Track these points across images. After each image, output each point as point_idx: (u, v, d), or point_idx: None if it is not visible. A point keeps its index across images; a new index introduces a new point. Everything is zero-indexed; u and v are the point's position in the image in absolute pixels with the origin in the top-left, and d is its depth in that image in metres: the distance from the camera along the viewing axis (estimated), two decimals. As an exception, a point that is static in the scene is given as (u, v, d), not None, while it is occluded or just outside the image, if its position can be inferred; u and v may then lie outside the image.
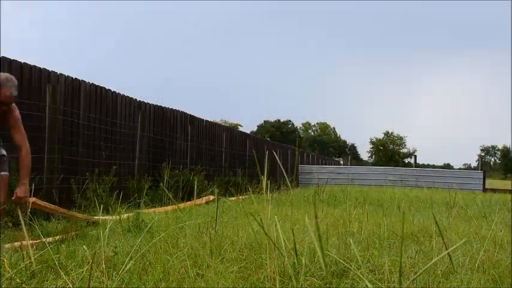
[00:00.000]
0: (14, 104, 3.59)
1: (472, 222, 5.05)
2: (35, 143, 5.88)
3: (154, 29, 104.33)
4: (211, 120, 12.51)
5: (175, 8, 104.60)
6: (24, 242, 2.87)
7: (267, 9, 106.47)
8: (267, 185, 2.21)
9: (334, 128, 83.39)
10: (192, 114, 10.77)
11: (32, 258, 2.56)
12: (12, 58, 5.64)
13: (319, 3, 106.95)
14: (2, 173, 3.69)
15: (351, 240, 2.82)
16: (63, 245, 3.24)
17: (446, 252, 1.60)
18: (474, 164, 68.14)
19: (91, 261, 2.43)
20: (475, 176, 17.44)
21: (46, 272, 2.53)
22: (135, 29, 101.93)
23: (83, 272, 2.52)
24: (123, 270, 2.43)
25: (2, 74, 3.57)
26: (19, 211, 3.95)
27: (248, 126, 67.83)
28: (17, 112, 3.60)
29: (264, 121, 73.42)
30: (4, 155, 3.79)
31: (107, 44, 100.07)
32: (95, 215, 5.35)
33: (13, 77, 3.58)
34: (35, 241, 3.46)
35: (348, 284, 2.36)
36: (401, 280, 1.37)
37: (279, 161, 2.59)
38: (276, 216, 2.48)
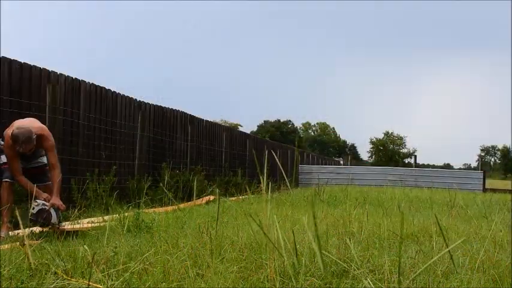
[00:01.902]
0: (48, 133, 4.48)
1: (472, 222, 5.05)
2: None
3: (154, 29, 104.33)
4: (211, 120, 12.51)
5: (175, 8, 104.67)
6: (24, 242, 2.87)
7: (267, 9, 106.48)
8: (267, 185, 2.21)
9: (334, 128, 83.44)
10: (192, 114, 10.77)
11: (31, 259, 2.56)
12: (12, 58, 5.64)
13: (319, 3, 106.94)
14: (48, 182, 4.60)
15: (350, 241, 2.82)
16: (63, 245, 3.24)
17: (446, 250, 1.60)
18: (474, 164, 68.17)
19: (91, 261, 2.43)
20: (475, 176, 17.43)
21: (46, 272, 2.53)
22: (135, 29, 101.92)
23: (82, 272, 2.53)
24: (124, 271, 2.43)
25: (16, 130, 4.25)
26: (17, 212, 3.99)
27: (248, 126, 67.80)
28: (51, 140, 4.47)
29: (264, 121, 73.44)
30: (46, 164, 4.65)
31: (107, 44, 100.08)
32: (95, 216, 5.35)
33: (26, 129, 4.26)
34: (36, 241, 3.46)
35: (348, 284, 2.36)
36: (400, 280, 1.37)
37: (278, 162, 2.59)
38: (275, 217, 2.48)
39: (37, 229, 4.21)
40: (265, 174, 2.21)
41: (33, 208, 4.14)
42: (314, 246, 2.21)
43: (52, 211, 4.20)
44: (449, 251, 1.93)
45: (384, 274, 2.47)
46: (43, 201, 4.20)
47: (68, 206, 5.98)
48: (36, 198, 4.18)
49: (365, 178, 17.67)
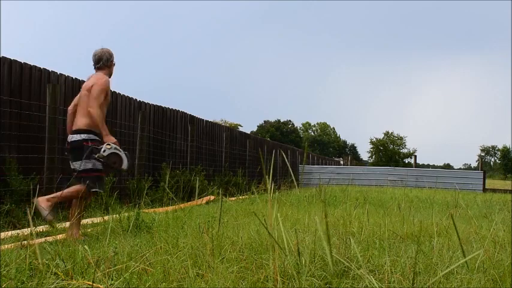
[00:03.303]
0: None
1: (472, 222, 5.05)
2: (35, 142, 5.89)
3: (154, 29, 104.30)
4: (211, 120, 12.51)
5: (175, 8, 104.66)
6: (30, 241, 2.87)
7: (267, 9, 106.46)
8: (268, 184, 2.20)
9: (334, 128, 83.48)
10: (192, 114, 10.77)
11: (40, 259, 2.56)
12: (12, 58, 5.64)
13: (319, 4, 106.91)
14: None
15: (352, 240, 2.82)
16: (63, 245, 3.24)
17: (464, 260, 1.60)
18: (474, 164, 68.25)
19: (93, 262, 2.43)
20: (475, 176, 17.42)
21: (46, 272, 2.52)
22: (135, 29, 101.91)
23: (82, 272, 2.52)
24: (125, 271, 2.43)
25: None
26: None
27: (248, 126, 67.86)
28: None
29: (264, 121, 73.48)
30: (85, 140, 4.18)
31: (106, 44, 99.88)
32: (95, 216, 5.35)
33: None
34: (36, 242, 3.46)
35: (348, 284, 2.36)
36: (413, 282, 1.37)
37: (287, 161, 2.57)
38: (278, 215, 2.48)
39: (36, 229, 4.20)
40: (269, 175, 2.21)
41: (104, 151, 3.92)
42: (324, 246, 2.22)
43: (124, 156, 4.01)
44: (463, 251, 1.93)
45: (385, 274, 2.47)
46: (115, 146, 3.99)
47: (67, 205, 5.97)
48: (108, 142, 3.99)
49: (365, 178, 17.67)
